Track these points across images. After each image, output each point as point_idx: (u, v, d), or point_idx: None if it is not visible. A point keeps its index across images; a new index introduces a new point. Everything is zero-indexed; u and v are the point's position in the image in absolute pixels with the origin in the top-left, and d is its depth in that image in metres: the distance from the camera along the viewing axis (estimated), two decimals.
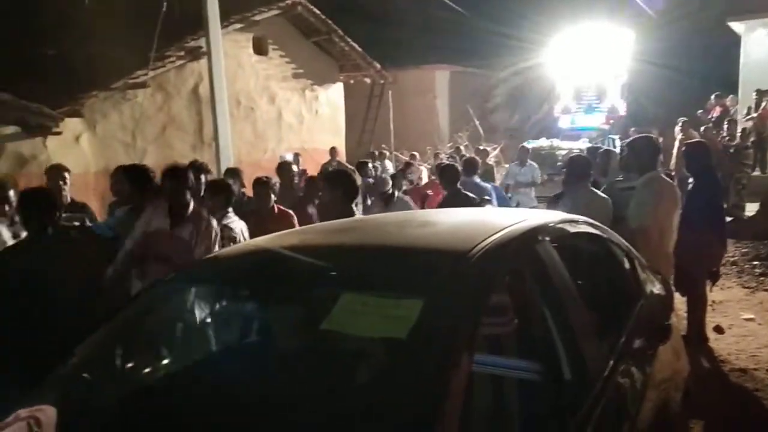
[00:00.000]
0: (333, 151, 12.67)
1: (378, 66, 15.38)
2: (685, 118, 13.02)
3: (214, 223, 3.85)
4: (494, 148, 16.85)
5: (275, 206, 5.13)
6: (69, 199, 5.07)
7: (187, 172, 3.88)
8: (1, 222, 4.20)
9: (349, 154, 14.79)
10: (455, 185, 5.60)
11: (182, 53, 10.48)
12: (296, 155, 11.77)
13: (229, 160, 7.95)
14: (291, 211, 5.15)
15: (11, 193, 4.31)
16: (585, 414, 1.88)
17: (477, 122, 20.99)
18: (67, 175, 5.14)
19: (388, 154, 14.33)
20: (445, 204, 5.26)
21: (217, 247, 3.72)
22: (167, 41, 9.81)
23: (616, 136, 15.62)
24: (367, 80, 16.29)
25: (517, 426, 1.99)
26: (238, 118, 11.55)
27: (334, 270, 2.00)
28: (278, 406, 1.79)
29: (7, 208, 4.28)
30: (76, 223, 4.36)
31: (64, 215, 3.98)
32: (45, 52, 9.52)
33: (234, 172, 6.10)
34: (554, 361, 1.97)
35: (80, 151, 9.12)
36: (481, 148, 13.48)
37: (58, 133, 8.64)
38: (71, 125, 8.98)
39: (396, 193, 6.23)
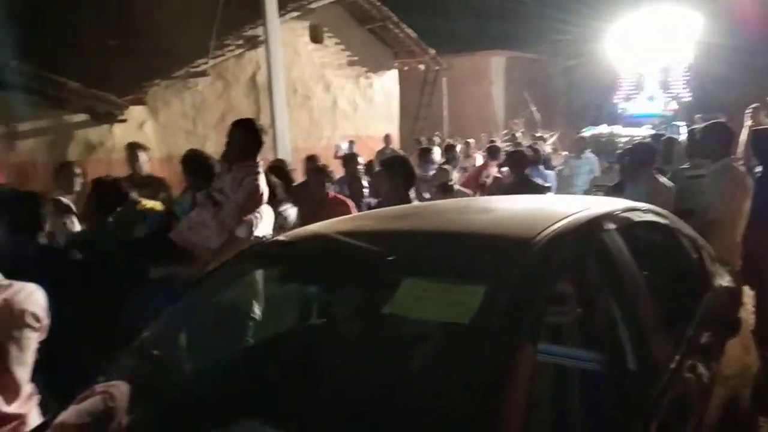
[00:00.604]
0: (387, 138, 12.65)
1: (433, 52, 15.22)
2: (756, 104, 12.39)
3: (263, 182, 3.83)
4: (551, 135, 16.50)
5: (330, 193, 5.19)
6: (146, 172, 5.73)
7: (245, 122, 3.92)
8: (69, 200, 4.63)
9: (402, 142, 14.75)
10: (523, 172, 5.50)
11: (241, 42, 10.64)
12: (351, 143, 11.82)
13: (286, 148, 8.07)
14: (347, 199, 5.19)
15: (77, 170, 5.00)
16: (651, 406, 1.83)
17: (534, 108, 20.56)
18: (140, 153, 5.78)
19: (438, 141, 14.18)
20: (512, 190, 5.17)
21: (262, 222, 3.80)
22: (226, 30, 9.99)
23: (682, 123, 15.01)
24: (422, 67, 16.16)
25: (580, 416, 1.96)
26: (295, 105, 11.67)
27: (396, 255, 2.01)
28: (340, 388, 1.82)
29: (75, 182, 4.86)
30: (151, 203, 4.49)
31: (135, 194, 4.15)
32: (110, 42, 9.83)
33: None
34: (619, 352, 1.93)
35: (144, 138, 9.33)
36: (538, 135, 13.22)
37: (123, 121, 8.95)
38: (135, 113, 9.27)
39: (455, 186, 6.15)
